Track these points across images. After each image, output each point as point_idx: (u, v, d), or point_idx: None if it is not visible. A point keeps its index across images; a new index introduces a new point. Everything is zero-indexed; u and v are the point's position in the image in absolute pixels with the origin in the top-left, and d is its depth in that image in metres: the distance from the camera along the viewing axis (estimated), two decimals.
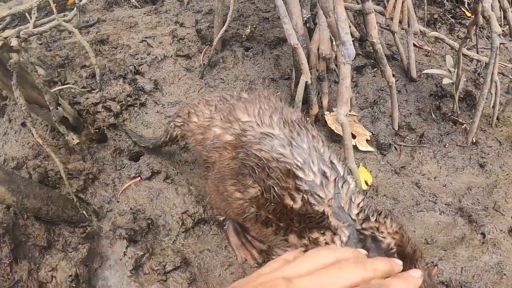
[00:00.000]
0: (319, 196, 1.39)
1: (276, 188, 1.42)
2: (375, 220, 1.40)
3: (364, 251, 1.01)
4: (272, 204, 1.44)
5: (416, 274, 0.93)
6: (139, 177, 2.12)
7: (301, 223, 1.41)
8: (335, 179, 1.44)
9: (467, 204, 2.10)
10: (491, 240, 1.94)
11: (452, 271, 1.82)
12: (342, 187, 1.44)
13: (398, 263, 0.99)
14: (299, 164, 1.42)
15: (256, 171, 1.46)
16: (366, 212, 1.42)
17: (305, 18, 2.44)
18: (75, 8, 2.69)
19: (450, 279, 1.79)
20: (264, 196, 1.45)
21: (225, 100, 1.79)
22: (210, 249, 1.90)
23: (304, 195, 1.39)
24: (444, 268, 1.82)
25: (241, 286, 0.82)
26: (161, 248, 1.88)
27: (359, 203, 1.43)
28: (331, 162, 1.49)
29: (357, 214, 1.40)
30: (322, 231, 1.38)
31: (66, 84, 2.53)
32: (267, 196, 1.44)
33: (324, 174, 1.43)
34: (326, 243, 1.37)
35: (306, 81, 2.21)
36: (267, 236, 1.56)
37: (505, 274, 1.83)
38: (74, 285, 1.72)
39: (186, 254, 1.87)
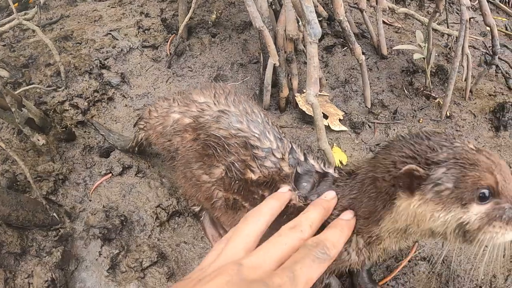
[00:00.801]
0: (275, 156, 1.44)
1: (237, 164, 1.46)
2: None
3: (284, 189, 1.21)
4: (236, 182, 1.47)
5: (347, 217, 1.09)
6: (110, 174, 2.07)
7: (262, 198, 1.42)
8: (288, 141, 1.52)
9: None
10: None
11: (433, 246, 1.80)
12: (296, 146, 1.52)
13: (330, 197, 1.17)
14: (256, 135, 1.48)
15: (218, 150, 1.50)
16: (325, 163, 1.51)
17: (270, 0, 2.40)
18: (36, 6, 2.63)
19: (432, 254, 1.77)
20: (228, 175, 1.48)
21: (182, 93, 1.81)
22: (187, 242, 1.86)
23: (260, 161, 1.44)
24: (425, 244, 1.81)
25: (194, 276, 0.89)
26: (137, 244, 1.84)
27: (314, 157, 1.50)
28: (281, 134, 1.57)
29: (314, 159, 1.48)
30: None
31: (31, 84, 2.46)
32: (230, 174, 1.47)
33: (279, 139, 1.50)
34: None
35: (274, 64, 2.17)
36: None
37: (486, 246, 1.82)
38: None
39: (162, 248, 1.83)
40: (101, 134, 2.25)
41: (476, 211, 1.03)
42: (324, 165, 1.46)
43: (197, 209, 1.86)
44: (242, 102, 1.61)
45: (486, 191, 1.01)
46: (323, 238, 0.99)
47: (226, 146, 1.48)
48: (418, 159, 1.05)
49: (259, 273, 0.86)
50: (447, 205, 1.03)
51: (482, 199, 1.01)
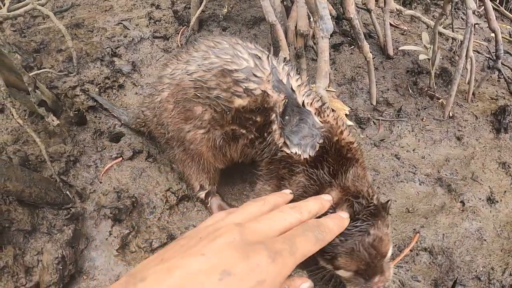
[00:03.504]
0: (256, 76, 1.50)
1: (221, 95, 1.53)
2: (319, 106, 1.56)
3: (288, 191, 1.25)
4: (227, 113, 1.55)
5: (344, 215, 1.23)
6: (121, 158, 2.11)
7: (255, 123, 1.54)
8: (267, 57, 1.57)
9: (445, 175, 2.15)
10: (471, 207, 2.00)
11: (434, 238, 1.86)
12: (277, 63, 1.57)
13: (327, 199, 1.28)
14: (228, 59, 1.54)
15: (198, 94, 1.57)
16: (307, 89, 1.59)
17: None
18: None
19: (433, 245, 1.83)
20: (217, 111, 1.56)
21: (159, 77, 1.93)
22: (195, 225, 1.89)
23: (244, 84, 1.50)
24: (426, 235, 1.86)
25: (193, 235, 0.92)
26: (147, 226, 1.88)
27: (297, 79, 1.59)
28: (259, 50, 1.62)
29: (298, 87, 1.54)
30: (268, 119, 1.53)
31: (43, 68, 2.50)
32: (219, 109, 1.55)
33: (255, 56, 1.55)
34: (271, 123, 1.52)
35: (285, 58, 2.22)
36: (247, 153, 1.68)
37: (485, 240, 1.88)
38: (61, 267, 1.70)
39: (171, 230, 1.87)
40: (104, 109, 2.32)
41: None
42: (306, 93, 1.56)
43: (202, 195, 1.91)
44: (203, 42, 1.70)
45: None
46: (322, 221, 1.09)
47: (204, 85, 1.56)
48: None
49: (261, 237, 0.90)
50: None
51: None
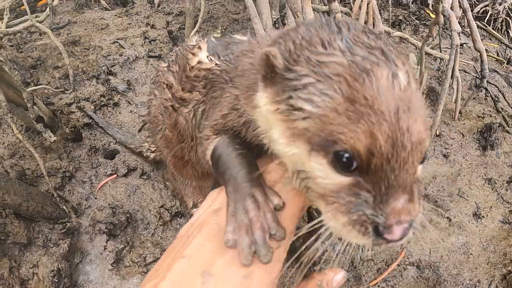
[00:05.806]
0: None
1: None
2: None
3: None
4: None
5: None
6: (116, 174, 2.16)
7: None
8: None
9: (432, 191, 2.20)
10: (457, 223, 2.06)
11: (421, 253, 1.91)
12: None
13: None
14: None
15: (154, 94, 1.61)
16: None
17: (274, 19, 2.51)
18: (48, 9, 2.70)
19: (420, 260, 1.88)
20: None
21: None
22: None
23: None
24: (414, 250, 1.91)
25: (183, 233, 0.87)
26: (141, 241, 1.92)
27: None
28: None
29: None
30: None
31: (39, 85, 2.54)
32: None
33: None
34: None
35: None
36: None
37: (471, 254, 1.94)
38: (56, 280, 1.74)
39: (165, 246, 1.91)
40: (100, 127, 2.37)
41: (323, 172, 0.65)
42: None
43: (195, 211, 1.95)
44: None
45: (346, 155, 0.62)
46: None
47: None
48: (291, 48, 0.71)
49: None
50: (294, 133, 0.68)
51: (341, 163, 0.63)
